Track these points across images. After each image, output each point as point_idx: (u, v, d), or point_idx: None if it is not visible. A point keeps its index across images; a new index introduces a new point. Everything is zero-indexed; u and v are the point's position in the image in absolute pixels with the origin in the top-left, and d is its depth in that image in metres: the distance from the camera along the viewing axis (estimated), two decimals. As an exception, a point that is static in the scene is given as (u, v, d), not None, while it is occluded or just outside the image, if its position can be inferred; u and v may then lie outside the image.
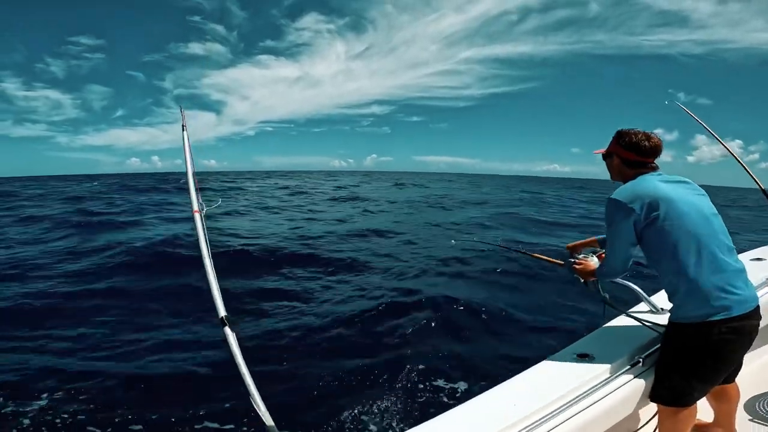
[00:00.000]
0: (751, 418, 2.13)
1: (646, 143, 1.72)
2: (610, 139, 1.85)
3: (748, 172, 3.31)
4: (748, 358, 1.75)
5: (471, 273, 7.67)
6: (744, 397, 2.18)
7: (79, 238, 10.72)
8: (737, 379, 1.85)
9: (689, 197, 1.66)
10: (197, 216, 1.82)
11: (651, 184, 1.66)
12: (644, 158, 1.74)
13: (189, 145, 2.19)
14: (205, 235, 1.74)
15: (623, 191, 1.68)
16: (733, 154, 3.41)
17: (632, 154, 1.74)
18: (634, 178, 1.74)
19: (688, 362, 1.62)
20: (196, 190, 1.96)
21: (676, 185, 1.69)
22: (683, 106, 3.47)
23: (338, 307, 6.03)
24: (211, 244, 1.73)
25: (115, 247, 9.24)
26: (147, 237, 10.36)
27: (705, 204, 1.68)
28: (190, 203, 1.90)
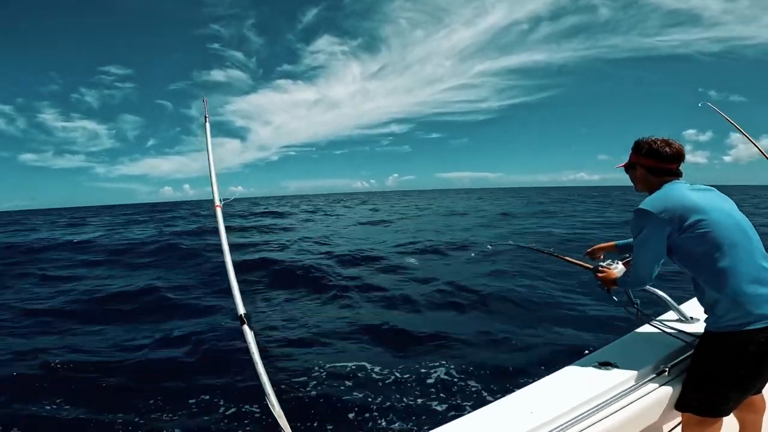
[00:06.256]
0: None
1: (667, 149, 1.70)
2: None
3: None
4: None
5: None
6: None
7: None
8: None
9: (720, 205, 1.62)
10: (218, 211, 1.77)
11: (680, 193, 1.63)
12: (667, 164, 1.71)
13: (210, 138, 2.14)
14: (225, 231, 1.70)
15: (653, 201, 1.64)
16: (764, 154, 3.28)
17: (654, 161, 1.72)
18: (659, 186, 1.71)
19: (726, 372, 1.56)
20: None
21: (704, 193, 1.66)
22: (715, 106, 3.35)
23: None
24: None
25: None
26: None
27: (735, 212, 1.65)
28: (212, 197, 1.83)
